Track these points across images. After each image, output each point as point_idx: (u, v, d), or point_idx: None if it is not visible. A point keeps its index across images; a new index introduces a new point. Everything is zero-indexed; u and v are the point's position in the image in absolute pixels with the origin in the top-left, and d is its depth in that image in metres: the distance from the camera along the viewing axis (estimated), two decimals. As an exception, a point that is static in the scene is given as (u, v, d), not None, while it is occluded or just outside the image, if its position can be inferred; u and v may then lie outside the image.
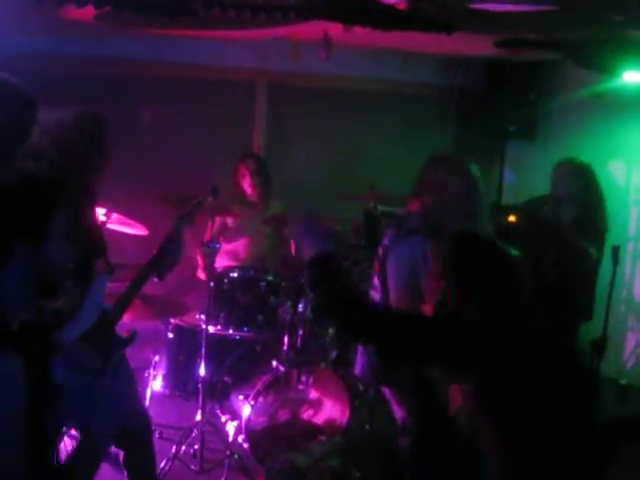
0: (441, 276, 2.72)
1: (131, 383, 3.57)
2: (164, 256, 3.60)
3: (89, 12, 4.83)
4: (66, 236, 1.95)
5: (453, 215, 3.46)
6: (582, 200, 4.56)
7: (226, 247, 5.46)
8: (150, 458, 3.68)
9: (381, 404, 4.99)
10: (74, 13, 4.95)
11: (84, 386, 3.03)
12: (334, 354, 4.91)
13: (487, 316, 2.55)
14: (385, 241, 3.80)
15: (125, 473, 3.58)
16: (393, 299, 3.65)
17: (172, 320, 4.91)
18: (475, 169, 3.68)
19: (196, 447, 4.58)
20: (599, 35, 4.92)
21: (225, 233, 5.64)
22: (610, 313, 3.97)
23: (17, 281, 1.85)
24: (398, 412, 3.82)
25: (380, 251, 3.82)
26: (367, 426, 4.91)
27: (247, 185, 5.70)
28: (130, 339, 3.33)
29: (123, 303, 3.34)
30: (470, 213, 3.50)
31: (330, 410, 4.76)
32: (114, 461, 3.71)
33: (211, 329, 4.73)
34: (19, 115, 2.81)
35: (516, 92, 6.49)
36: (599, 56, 5.26)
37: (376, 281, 3.83)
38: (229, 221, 5.68)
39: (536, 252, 4.59)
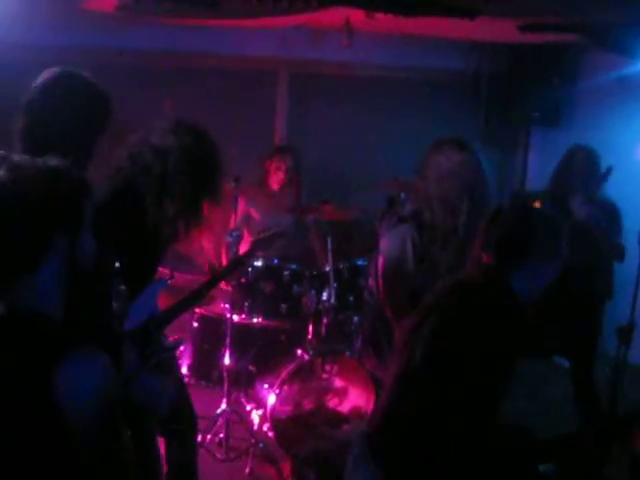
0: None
1: (181, 385, 3.54)
2: (232, 271, 3.71)
3: (109, 3, 4.85)
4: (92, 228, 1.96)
5: (450, 200, 3.32)
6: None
7: (249, 238, 5.46)
8: (191, 457, 3.64)
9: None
10: (94, 4, 4.97)
11: None
12: (359, 343, 4.90)
13: None
14: (378, 228, 3.73)
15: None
16: (381, 287, 3.58)
17: (197, 309, 4.93)
18: (482, 156, 3.50)
19: (221, 436, 4.60)
20: (623, 17, 4.85)
21: (249, 225, 5.63)
22: (637, 299, 3.91)
23: (56, 278, 1.85)
24: None
25: (376, 239, 3.76)
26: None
27: (278, 179, 5.66)
28: (174, 346, 3.31)
29: (173, 311, 3.31)
30: (472, 200, 3.33)
31: (355, 398, 4.75)
32: None
33: (235, 318, 4.74)
34: (94, 110, 2.91)
35: (540, 77, 6.43)
36: (623, 39, 5.19)
37: (372, 268, 3.78)
38: (253, 213, 5.67)
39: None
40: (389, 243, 3.53)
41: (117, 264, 2.56)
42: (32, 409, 1.67)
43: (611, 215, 4.59)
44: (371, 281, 3.78)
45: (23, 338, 1.73)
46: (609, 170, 4.55)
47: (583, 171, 4.75)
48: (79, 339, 1.76)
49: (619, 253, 4.49)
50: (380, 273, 3.56)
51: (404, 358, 2.57)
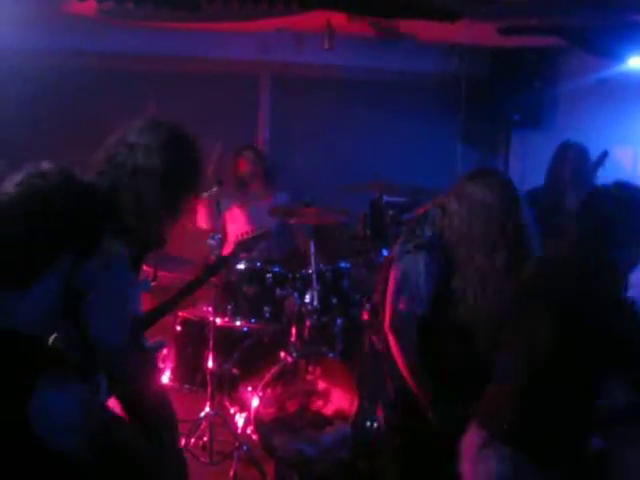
0: None
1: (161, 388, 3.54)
2: (213, 274, 3.68)
3: (91, 6, 4.84)
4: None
5: (489, 239, 3.09)
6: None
7: (232, 238, 5.46)
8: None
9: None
10: (76, 7, 4.95)
11: None
12: (341, 344, 4.92)
13: None
14: (394, 251, 3.41)
15: None
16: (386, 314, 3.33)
17: (180, 313, 4.92)
18: (517, 191, 3.28)
19: (205, 439, 4.59)
20: (604, 20, 4.89)
21: (231, 223, 5.65)
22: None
23: (49, 296, 1.79)
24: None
25: (385, 262, 3.52)
26: (375, 416, 4.91)
27: (248, 176, 5.72)
28: (155, 348, 3.30)
29: (156, 313, 3.30)
30: (510, 238, 3.10)
31: (338, 400, 4.76)
32: None
33: (219, 321, 4.74)
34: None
35: (521, 80, 6.47)
36: (604, 42, 5.24)
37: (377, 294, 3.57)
38: (235, 212, 5.68)
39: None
40: (402, 271, 3.24)
41: None
42: (8, 439, 1.63)
43: None
44: (376, 297, 3.65)
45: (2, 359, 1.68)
46: (605, 154, 4.54)
47: (576, 168, 4.77)
48: (60, 361, 1.70)
49: None
50: (389, 303, 3.27)
51: (523, 351, 2.64)
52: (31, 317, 1.73)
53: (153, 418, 3.44)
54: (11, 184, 1.73)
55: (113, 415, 1.96)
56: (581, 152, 4.81)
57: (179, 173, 2.99)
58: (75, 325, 1.83)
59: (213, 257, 4.53)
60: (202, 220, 5.46)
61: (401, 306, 3.15)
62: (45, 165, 1.78)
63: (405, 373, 3.18)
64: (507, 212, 3.12)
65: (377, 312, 3.66)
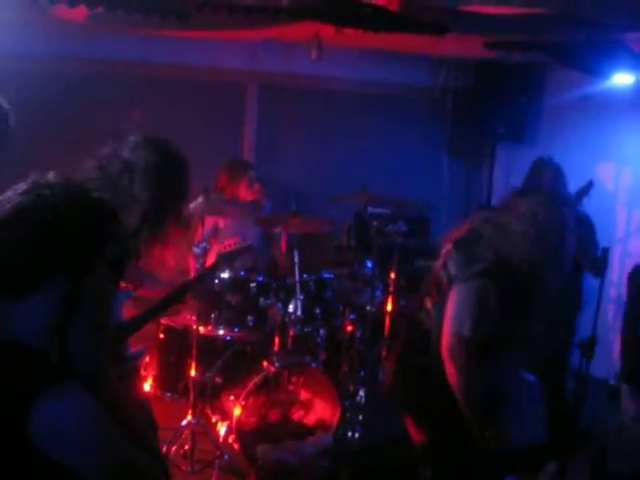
0: None
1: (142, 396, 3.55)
2: (197, 285, 3.69)
3: (80, 12, 4.83)
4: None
5: (542, 253, 3.11)
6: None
7: (217, 248, 5.46)
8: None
9: (371, 404, 5.03)
10: (65, 13, 4.95)
11: None
12: (324, 355, 4.92)
13: None
14: (451, 269, 3.23)
15: None
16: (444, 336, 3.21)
17: (163, 321, 4.91)
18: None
19: (187, 448, 4.57)
20: (588, 37, 4.94)
21: (216, 234, 5.65)
22: (599, 314, 3.99)
23: (49, 307, 1.78)
24: None
25: (443, 277, 3.27)
26: (357, 427, 4.92)
27: (247, 193, 5.72)
28: (137, 356, 3.30)
29: (138, 322, 3.30)
30: (558, 253, 3.14)
31: (321, 411, 4.76)
32: None
33: (202, 330, 4.73)
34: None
35: (506, 94, 6.52)
36: (588, 58, 5.29)
37: (429, 307, 3.36)
38: (220, 223, 5.68)
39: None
40: (463, 298, 3.15)
41: None
42: (8, 449, 1.61)
43: (587, 228, 4.63)
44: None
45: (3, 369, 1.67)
46: (590, 184, 4.57)
47: (553, 186, 4.79)
48: (60, 373, 1.69)
49: (598, 267, 4.46)
50: (449, 327, 3.17)
51: None
52: (31, 328, 1.73)
53: (134, 425, 3.45)
54: (15, 193, 1.73)
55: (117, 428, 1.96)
56: (556, 170, 4.84)
57: (170, 195, 3.02)
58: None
59: (196, 270, 4.54)
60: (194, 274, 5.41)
61: (466, 332, 3.08)
62: (51, 176, 1.78)
63: (461, 395, 3.13)
64: (562, 227, 3.17)
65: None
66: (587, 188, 4.55)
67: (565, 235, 3.16)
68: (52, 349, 1.76)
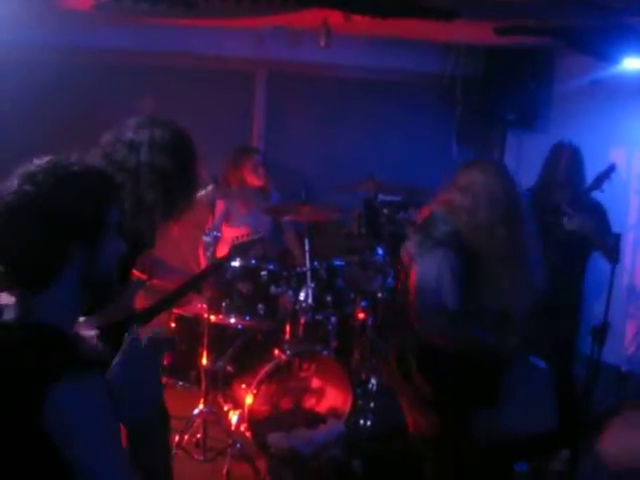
0: None
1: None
2: (211, 275, 3.68)
3: (86, 2, 4.83)
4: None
5: (485, 219, 3.18)
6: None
7: (227, 235, 5.47)
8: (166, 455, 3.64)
9: (383, 392, 5.03)
10: (71, 3, 4.95)
11: None
12: (336, 342, 4.93)
13: None
14: (410, 248, 3.41)
15: None
16: (413, 311, 3.35)
17: (174, 310, 4.92)
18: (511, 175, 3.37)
19: (199, 436, 4.59)
20: (598, 22, 4.91)
21: (227, 220, 5.65)
22: (611, 300, 3.97)
23: (72, 290, 1.79)
24: None
25: (404, 258, 3.47)
26: (369, 414, 4.93)
27: (253, 178, 5.71)
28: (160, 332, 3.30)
29: (151, 311, 3.30)
30: (508, 219, 3.20)
31: (332, 398, 4.76)
32: None
33: (213, 318, 4.73)
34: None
35: (515, 80, 6.48)
36: (598, 43, 5.25)
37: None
38: (231, 208, 5.67)
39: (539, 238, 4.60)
40: (425, 271, 3.26)
41: None
42: (17, 430, 1.62)
43: (599, 216, 4.59)
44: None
45: (25, 349, 1.67)
46: (612, 167, 4.51)
47: (569, 169, 4.76)
48: (82, 360, 1.69)
49: (612, 254, 4.41)
50: (413, 300, 3.30)
51: None
52: (55, 314, 1.74)
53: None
54: (7, 191, 1.73)
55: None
56: (573, 153, 4.82)
57: (180, 171, 3.00)
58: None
59: (207, 259, 4.54)
60: (204, 263, 5.39)
61: (429, 302, 3.16)
62: (34, 164, 1.78)
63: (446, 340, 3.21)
64: (509, 194, 3.21)
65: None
66: (609, 171, 4.48)
67: (515, 204, 3.21)
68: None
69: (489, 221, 3.17)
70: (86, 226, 1.75)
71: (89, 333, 2.77)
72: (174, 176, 2.96)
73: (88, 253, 1.75)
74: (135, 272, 3.34)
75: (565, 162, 4.76)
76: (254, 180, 5.69)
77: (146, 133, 2.97)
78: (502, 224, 3.16)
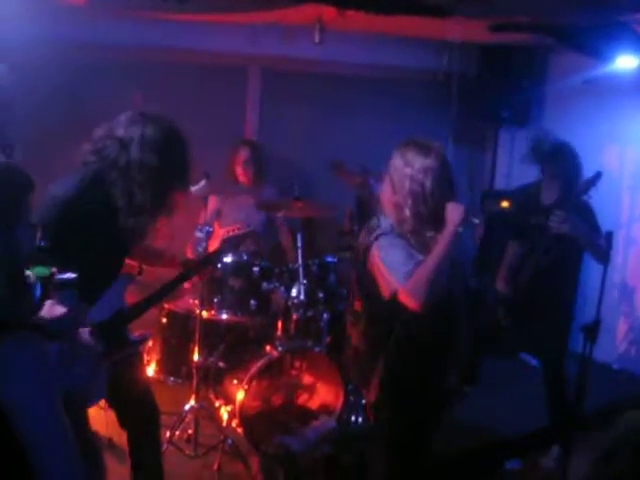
0: None
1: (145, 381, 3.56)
2: (202, 269, 3.70)
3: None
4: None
5: (418, 198, 3.11)
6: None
7: (220, 232, 5.46)
8: (155, 450, 3.64)
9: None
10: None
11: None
12: (328, 339, 4.92)
13: None
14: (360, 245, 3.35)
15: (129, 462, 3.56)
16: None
17: (165, 305, 4.91)
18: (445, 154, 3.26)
19: (190, 432, 4.58)
20: (593, 20, 4.91)
21: (219, 218, 5.65)
22: (603, 298, 3.97)
23: None
24: None
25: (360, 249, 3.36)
26: (360, 411, 4.92)
27: (240, 172, 5.74)
28: (140, 341, 3.29)
29: (141, 306, 3.29)
30: (443, 196, 3.10)
31: (324, 395, 4.77)
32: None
33: (205, 314, 4.73)
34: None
35: (509, 77, 6.48)
36: (592, 41, 5.25)
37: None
38: (223, 207, 5.68)
39: (529, 238, 4.61)
40: (388, 249, 3.16)
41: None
42: None
43: (587, 217, 4.57)
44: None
45: None
46: (598, 175, 4.50)
47: (560, 167, 4.73)
48: (26, 323, 1.74)
49: (601, 254, 4.37)
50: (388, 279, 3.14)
51: None
52: None
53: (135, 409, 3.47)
54: None
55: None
56: (564, 148, 4.80)
57: (171, 167, 3.00)
58: None
59: (199, 254, 4.54)
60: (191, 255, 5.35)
61: (407, 272, 3.03)
62: None
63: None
64: (430, 186, 3.10)
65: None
66: (594, 179, 4.48)
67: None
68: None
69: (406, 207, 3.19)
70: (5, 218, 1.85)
71: (82, 329, 2.78)
72: (164, 174, 2.96)
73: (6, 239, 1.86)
74: (127, 261, 3.34)
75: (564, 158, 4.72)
76: (241, 176, 5.73)
77: (137, 130, 2.96)
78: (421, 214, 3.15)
